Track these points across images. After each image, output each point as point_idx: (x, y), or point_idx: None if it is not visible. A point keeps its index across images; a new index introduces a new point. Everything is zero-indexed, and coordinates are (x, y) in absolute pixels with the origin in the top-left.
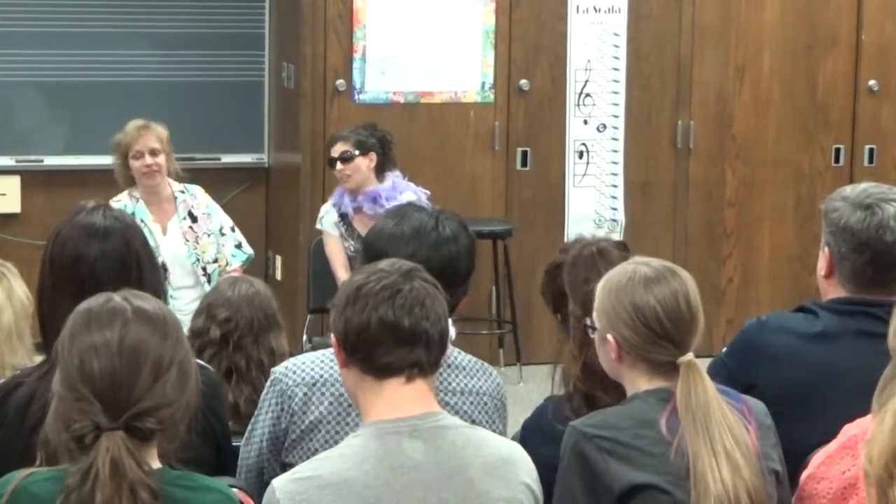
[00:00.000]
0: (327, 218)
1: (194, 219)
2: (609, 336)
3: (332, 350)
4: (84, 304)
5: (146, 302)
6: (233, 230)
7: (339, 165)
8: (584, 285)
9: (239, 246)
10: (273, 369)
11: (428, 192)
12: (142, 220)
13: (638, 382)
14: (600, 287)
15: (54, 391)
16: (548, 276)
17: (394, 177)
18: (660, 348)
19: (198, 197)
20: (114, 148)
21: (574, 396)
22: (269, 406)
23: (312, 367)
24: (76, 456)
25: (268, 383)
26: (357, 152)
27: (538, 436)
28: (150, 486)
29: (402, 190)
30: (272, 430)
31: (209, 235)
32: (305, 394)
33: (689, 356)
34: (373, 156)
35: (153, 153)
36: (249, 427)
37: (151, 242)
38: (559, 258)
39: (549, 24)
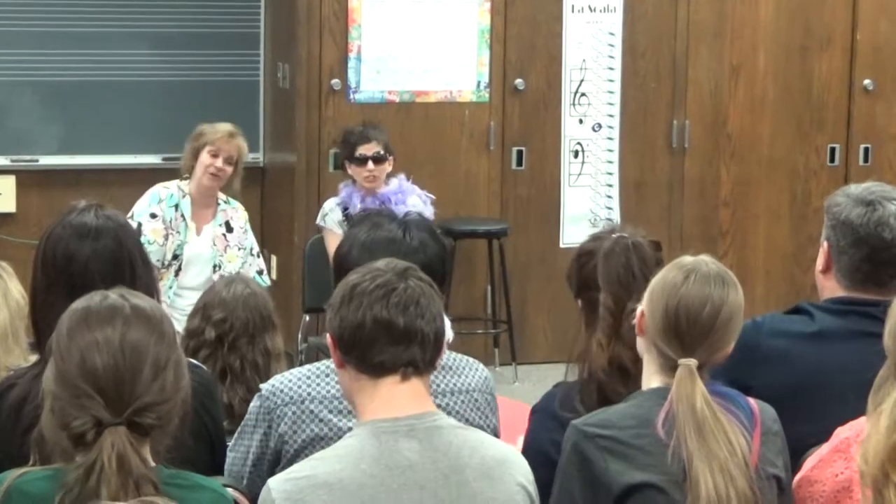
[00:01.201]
0: (331, 216)
1: (230, 229)
2: (640, 308)
3: (318, 365)
4: (80, 302)
5: (142, 300)
6: (258, 255)
7: (371, 165)
8: (616, 279)
9: (260, 273)
10: (261, 385)
11: (433, 196)
12: (182, 215)
13: (649, 370)
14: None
15: (47, 390)
16: (576, 263)
17: (400, 179)
18: (666, 340)
19: (238, 212)
20: (195, 136)
21: (589, 386)
22: (256, 422)
23: (301, 384)
24: (71, 454)
25: (255, 399)
26: (388, 155)
27: (549, 421)
28: (154, 481)
29: (409, 194)
30: (260, 445)
31: (240, 249)
32: (294, 412)
33: (691, 361)
34: (391, 160)
35: (229, 161)
36: (236, 436)
37: (182, 237)
38: (590, 246)
39: (544, 24)
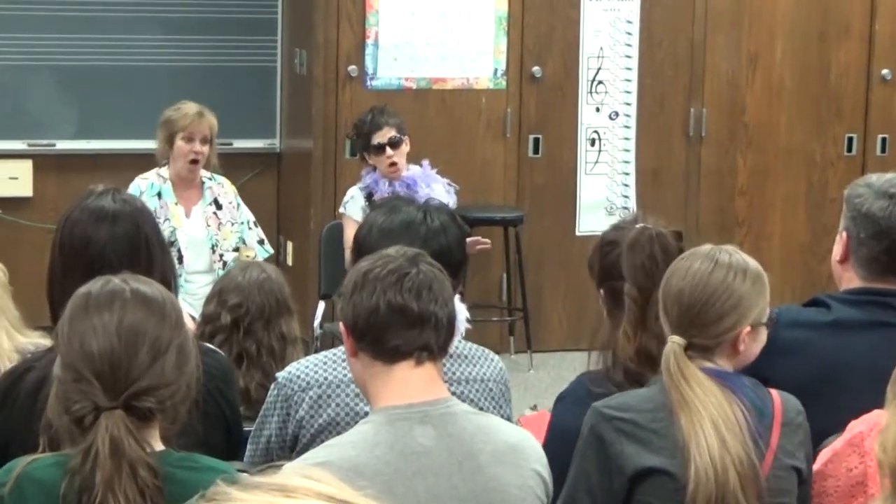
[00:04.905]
0: (353, 203)
1: (219, 206)
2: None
3: (334, 351)
4: (83, 288)
5: (145, 285)
6: (255, 225)
7: (389, 151)
8: (642, 270)
9: (261, 242)
10: (277, 374)
11: (457, 186)
12: (166, 202)
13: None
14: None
15: (55, 375)
16: (599, 252)
17: (424, 166)
18: (665, 316)
19: (224, 186)
20: (163, 123)
21: (616, 371)
22: (274, 410)
23: (317, 370)
24: (77, 438)
25: (273, 387)
26: (403, 136)
27: (578, 405)
28: (150, 464)
29: (433, 180)
30: (279, 433)
31: (233, 224)
32: (311, 397)
33: (677, 338)
34: (407, 140)
35: (204, 141)
36: (257, 426)
37: (174, 224)
38: (613, 235)
39: (561, 11)
